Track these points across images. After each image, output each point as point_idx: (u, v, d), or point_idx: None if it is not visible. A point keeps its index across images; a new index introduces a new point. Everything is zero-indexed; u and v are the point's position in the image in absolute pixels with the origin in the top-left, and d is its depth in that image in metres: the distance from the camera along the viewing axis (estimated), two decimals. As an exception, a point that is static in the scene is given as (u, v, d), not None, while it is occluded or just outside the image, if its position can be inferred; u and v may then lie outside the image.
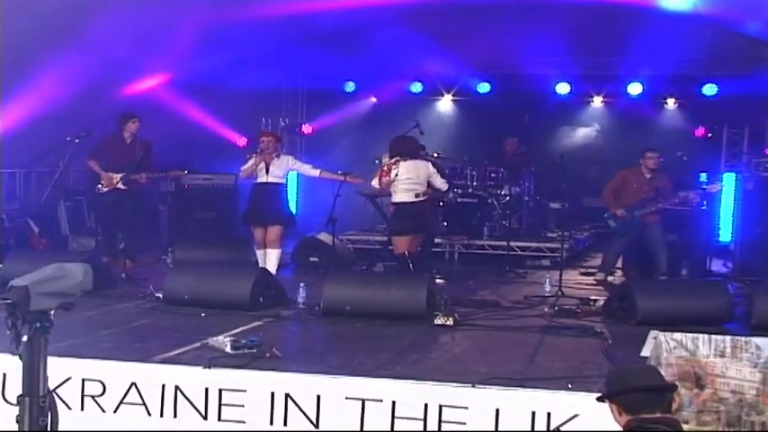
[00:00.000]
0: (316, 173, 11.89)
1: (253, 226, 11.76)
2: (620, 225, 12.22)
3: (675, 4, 14.20)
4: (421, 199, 11.09)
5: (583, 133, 17.98)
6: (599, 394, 4.42)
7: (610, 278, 12.47)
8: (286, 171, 11.74)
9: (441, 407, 6.07)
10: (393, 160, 11.06)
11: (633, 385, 4.15)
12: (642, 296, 9.16)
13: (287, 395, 6.28)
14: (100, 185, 12.37)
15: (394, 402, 6.13)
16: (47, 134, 13.12)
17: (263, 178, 11.55)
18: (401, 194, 11.02)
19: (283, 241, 11.94)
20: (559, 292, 10.88)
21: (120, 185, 12.20)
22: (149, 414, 6.47)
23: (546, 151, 16.27)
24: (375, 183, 11.22)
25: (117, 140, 12.45)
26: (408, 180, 10.96)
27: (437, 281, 11.24)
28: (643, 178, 12.14)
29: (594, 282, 12.38)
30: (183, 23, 12.45)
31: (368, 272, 12.39)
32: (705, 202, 13.32)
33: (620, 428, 4.22)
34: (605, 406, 4.34)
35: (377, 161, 12.13)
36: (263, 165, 11.50)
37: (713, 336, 5.79)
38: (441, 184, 11.46)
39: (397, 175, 10.90)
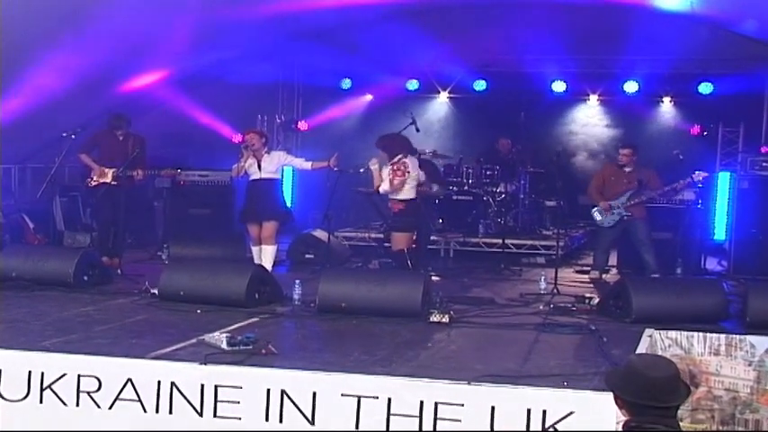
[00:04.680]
0: (307, 165, 11.85)
1: (248, 222, 11.75)
2: (604, 218, 12.32)
3: (671, 3, 14.22)
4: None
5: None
6: (595, 391, 4.39)
7: (604, 276, 12.50)
8: (279, 166, 11.70)
9: (436, 404, 6.06)
10: (398, 159, 11.00)
11: (651, 403, 4.08)
12: (637, 294, 9.17)
13: (283, 392, 6.27)
14: (89, 179, 12.37)
15: (389, 399, 6.12)
16: (42, 130, 13.12)
17: (256, 175, 11.54)
18: (409, 191, 11.03)
19: (279, 238, 11.93)
20: (554, 290, 10.90)
21: (110, 180, 12.19)
22: (145, 410, 6.45)
23: (541, 149, 16.29)
24: (386, 187, 10.98)
25: (109, 136, 12.44)
26: (415, 176, 11.02)
27: (433, 278, 11.24)
28: (621, 171, 12.30)
29: (589, 280, 12.40)
30: (181, 20, 12.44)
31: (363, 269, 12.39)
32: (700, 201, 13.36)
33: (616, 418, 4.22)
34: (601, 403, 4.33)
35: (362, 170, 11.79)
36: (253, 161, 11.48)
37: (708, 334, 5.81)
38: (422, 176, 11.58)
39: (409, 172, 10.92)
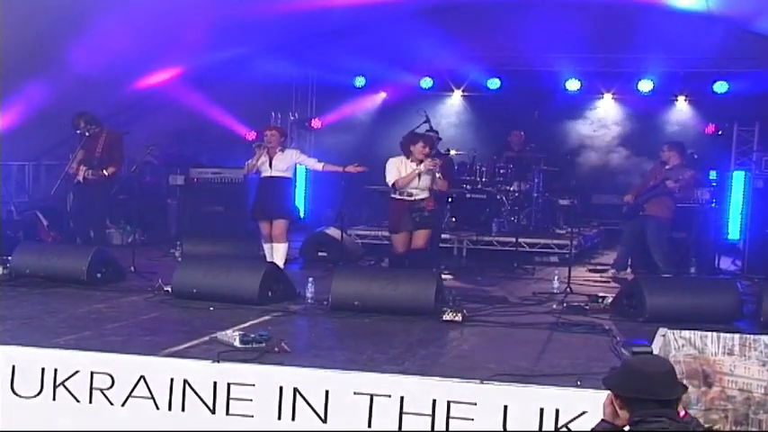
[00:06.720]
0: (319, 166, 11.79)
1: (258, 220, 11.74)
2: (625, 211, 12.42)
3: (686, 2, 14.18)
4: None
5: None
6: (608, 391, 4.38)
7: (622, 273, 12.46)
8: (290, 165, 11.63)
9: (449, 403, 6.06)
10: (434, 158, 11.06)
11: (648, 397, 4.11)
12: (651, 293, 9.14)
13: (295, 390, 6.28)
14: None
15: (402, 398, 6.13)
16: (56, 126, 13.14)
17: (266, 172, 11.50)
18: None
19: (291, 236, 11.91)
20: (568, 289, 10.87)
21: (81, 178, 12.29)
22: (158, 408, 6.48)
23: (555, 148, 16.25)
24: (443, 188, 11.01)
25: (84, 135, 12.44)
26: None
27: (445, 276, 11.22)
28: (659, 170, 12.28)
29: (608, 278, 12.35)
30: (195, 17, 12.47)
31: (376, 267, 12.38)
32: (714, 200, 13.35)
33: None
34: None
35: (419, 173, 11.39)
36: (266, 159, 11.46)
37: (722, 334, 5.77)
38: None
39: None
